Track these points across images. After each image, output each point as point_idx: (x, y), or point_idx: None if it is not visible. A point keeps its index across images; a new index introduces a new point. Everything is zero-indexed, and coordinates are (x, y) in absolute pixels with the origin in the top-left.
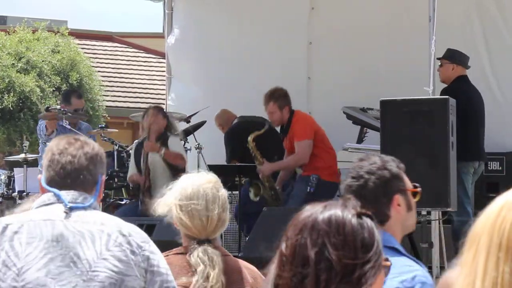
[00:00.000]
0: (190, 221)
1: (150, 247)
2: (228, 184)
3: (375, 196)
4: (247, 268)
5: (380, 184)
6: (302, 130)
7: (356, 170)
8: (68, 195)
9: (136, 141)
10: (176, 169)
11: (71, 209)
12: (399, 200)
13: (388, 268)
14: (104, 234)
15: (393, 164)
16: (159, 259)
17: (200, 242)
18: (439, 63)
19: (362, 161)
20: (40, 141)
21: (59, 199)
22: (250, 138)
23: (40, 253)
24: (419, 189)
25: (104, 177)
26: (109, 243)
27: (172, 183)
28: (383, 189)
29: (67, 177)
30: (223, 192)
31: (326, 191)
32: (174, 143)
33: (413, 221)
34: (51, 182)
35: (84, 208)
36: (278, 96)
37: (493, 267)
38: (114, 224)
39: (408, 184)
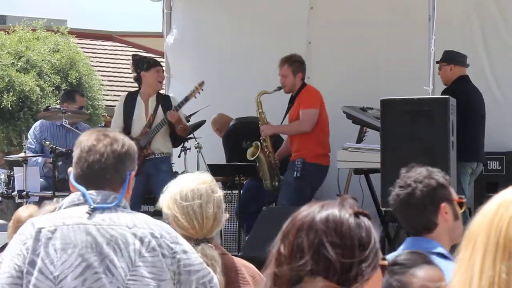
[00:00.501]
0: (186, 221)
1: (181, 246)
2: (227, 183)
3: (423, 204)
4: (245, 267)
5: (427, 192)
6: (310, 99)
7: (403, 179)
8: (98, 194)
9: (126, 93)
10: (175, 139)
11: (95, 209)
12: (446, 209)
13: (386, 267)
14: (137, 239)
15: (439, 174)
16: (191, 257)
17: (198, 242)
18: (439, 67)
19: (409, 171)
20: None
21: (86, 200)
22: (257, 94)
23: (76, 260)
24: (464, 200)
25: (133, 173)
26: (143, 248)
27: (169, 183)
28: (430, 197)
29: (93, 176)
30: (219, 192)
31: (313, 173)
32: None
33: (460, 231)
34: (79, 180)
35: (115, 208)
36: (294, 61)
37: (490, 266)
38: (146, 225)
39: (454, 194)
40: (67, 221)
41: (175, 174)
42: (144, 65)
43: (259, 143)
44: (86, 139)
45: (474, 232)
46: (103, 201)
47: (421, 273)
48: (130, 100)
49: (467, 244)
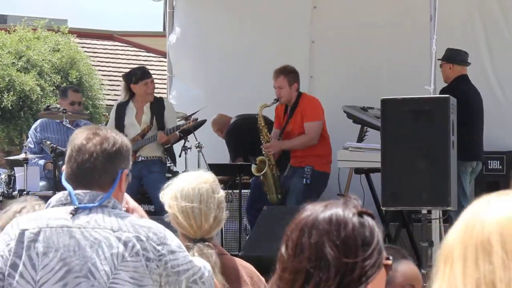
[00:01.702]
0: (185, 220)
1: (168, 247)
2: (228, 183)
3: None
4: (244, 267)
5: None
6: (314, 111)
7: None
8: (86, 195)
9: (119, 101)
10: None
11: (78, 209)
12: None
13: (389, 266)
14: (121, 243)
15: None
16: (179, 257)
17: (196, 242)
18: (440, 64)
19: None
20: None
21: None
22: (259, 108)
23: (57, 265)
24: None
25: (126, 171)
26: (126, 252)
27: (169, 182)
28: None
29: (82, 176)
30: (220, 192)
31: (320, 181)
32: (171, 111)
33: None
34: (69, 179)
35: (102, 209)
36: (289, 71)
37: (473, 270)
38: (132, 228)
39: None
40: (52, 222)
41: (171, 174)
42: (133, 78)
43: (265, 158)
44: (78, 137)
45: (449, 248)
46: (90, 201)
47: (401, 268)
48: (121, 107)
49: (445, 261)
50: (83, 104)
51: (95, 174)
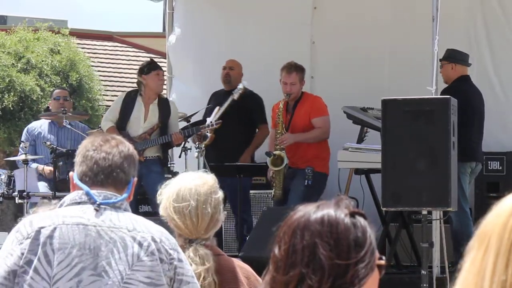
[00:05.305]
0: (181, 220)
1: (179, 254)
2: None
3: None
4: (241, 267)
5: None
6: (322, 107)
7: None
8: (100, 194)
9: (129, 91)
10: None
11: (101, 205)
12: None
13: (383, 266)
14: (135, 243)
15: None
16: (186, 267)
17: (192, 242)
18: (440, 65)
19: None
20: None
21: (90, 199)
22: (282, 103)
23: (72, 261)
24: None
25: (135, 180)
26: (141, 252)
27: (168, 182)
28: None
29: (100, 173)
30: (218, 193)
31: (321, 183)
32: (175, 116)
33: None
34: (84, 178)
35: (116, 209)
36: (301, 68)
37: (503, 269)
38: (146, 229)
39: None
40: (67, 220)
41: (171, 175)
42: (145, 68)
43: (283, 154)
44: (91, 140)
45: (487, 232)
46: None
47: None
48: (130, 98)
49: (480, 244)
50: (75, 105)
51: (113, 172)
